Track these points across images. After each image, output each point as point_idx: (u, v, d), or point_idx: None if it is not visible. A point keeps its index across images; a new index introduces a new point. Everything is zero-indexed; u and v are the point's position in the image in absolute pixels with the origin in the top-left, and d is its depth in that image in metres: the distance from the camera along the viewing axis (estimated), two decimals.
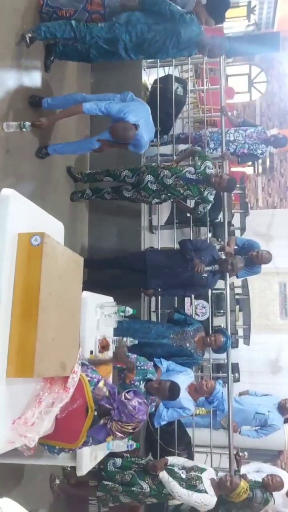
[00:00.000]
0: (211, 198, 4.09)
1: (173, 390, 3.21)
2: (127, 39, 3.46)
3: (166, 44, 3.57)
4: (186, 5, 3.77)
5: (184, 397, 3.80)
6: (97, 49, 3.58)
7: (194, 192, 4.03)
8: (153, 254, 4.32)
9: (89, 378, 2.23)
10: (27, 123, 3.28)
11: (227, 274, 4.23)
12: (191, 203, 4.47)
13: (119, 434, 2.13)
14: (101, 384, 2.21)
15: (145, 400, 2.24)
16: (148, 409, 2.33)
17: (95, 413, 2.14)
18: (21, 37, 3.29)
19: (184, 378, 3.89)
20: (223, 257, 4.21)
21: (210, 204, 4.21)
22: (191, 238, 4.83)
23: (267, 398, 4.76)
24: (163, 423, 3.90)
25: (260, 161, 9.68)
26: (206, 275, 3.92)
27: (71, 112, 3.56)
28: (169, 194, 4.10)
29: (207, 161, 4.00)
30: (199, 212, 4.24)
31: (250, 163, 9.27)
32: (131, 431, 2.14)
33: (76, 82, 4.39)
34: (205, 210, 4.30)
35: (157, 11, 3.49)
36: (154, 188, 4.05)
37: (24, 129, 3.26)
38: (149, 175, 4.03)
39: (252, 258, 4.41)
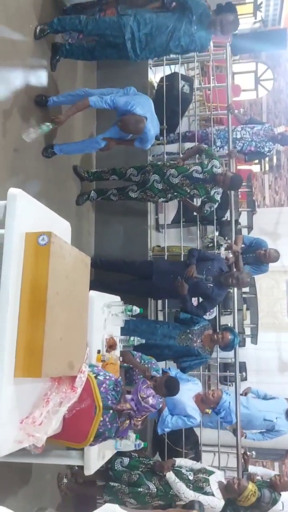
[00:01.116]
0: (218, 197, 4.05)
1: (170, 385, 3.08)
2: (135, 26, 3.44)
3: (178, 28, 3.53)
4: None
5: (190, 406, 3.78)
6: (102, 47, 3.58)
7: (200, 191, 4.01)
8: (160, 262, 4.33)
9: (108, 377, 2.36)
10: (46, 124, 3.24)
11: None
12: (197, 202, 4.44)
13: (139, 423, 2.39)
14: (122, 403, 2.32)
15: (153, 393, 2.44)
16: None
17: (115, 412, 2.28)
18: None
19: (192, 386, 3.87)
20: (231, 256, 4.19)
21: (217, 204, 4.18)
22: (198, 237, 4.84)
23: (274, 402, 4.67)
24: (167, 430, 3.85)
25: (267, 159, 9.63)
26: (212, 284, 3.88)
27: (80, 107, 3.52)
28: (175, 193, 4.08)
29: (214, 160, 3.96)
30: (205, 211, 4.22)
31: (257, 161, 9.25)
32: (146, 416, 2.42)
33: (82, 81, 4.39)
34: (212, 209, 4.27)
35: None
36: (160, 188, 4.03)
37: (46, 130, 3.23)
38: (155, 174, 4.01)
39: (260, 257, 4.38)
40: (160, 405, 2.50)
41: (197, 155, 4.33)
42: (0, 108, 3.04)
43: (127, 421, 2.33)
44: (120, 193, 4.24)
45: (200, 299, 4.30)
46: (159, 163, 4.29)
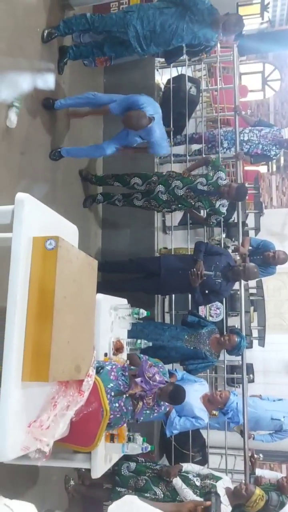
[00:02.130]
0: (223, 210, 4.02)
1: (174, 395, 2.78)
2: (138, 24, 3.46)
3: (180, 25, 3.55)
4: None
5: (198, 407, 3.77)
6: (112, 43, 3.61)
7: (205, 204, 3.99)
8: (168, 257, 4.32)
9: (114, 366, 2.52)
10: (15, 100, 3.07)
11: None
12: (204, 213, 4.42)
13: (151, 401, 2.54)
14: (134, 388, 2.46)
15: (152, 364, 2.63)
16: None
17: (129, 396, 2.43)
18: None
19: (199, 387, 3.86)
20: (238, 258, 4.17)
21: (223, 216, 4.16)
22: (205, 239, 4.82)
23: (281, 403, 4.67)
24: (175, 432, 3.84)
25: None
26: (220, 280, 3.87)
27: (101, 112, 3.60)
28: (179, 205, 4.07)
29: (220, 172, 3.92)
30: (211, 223, 4.21)
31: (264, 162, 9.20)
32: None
33: (89, 83, 4.41)
34: (218, 220, 4.24)
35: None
36: (164, 199, 4.01)
37: (19, 105, 3.07)
38: (160, 185, 3.99)
39: (268, 259, 4.36)
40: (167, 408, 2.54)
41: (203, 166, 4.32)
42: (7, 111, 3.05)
43: (140, 403, 2.48)
44: (125, 200, 4.24)
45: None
46: (164, 173, 4.18)
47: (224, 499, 3.31)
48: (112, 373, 2.46)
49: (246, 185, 6.11)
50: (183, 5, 3.56)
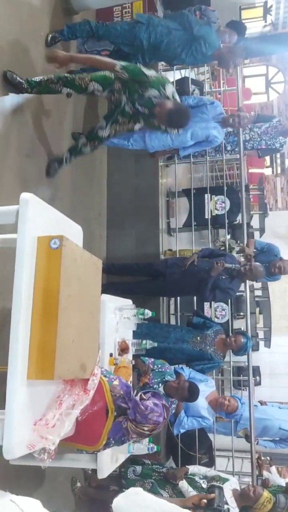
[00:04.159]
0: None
1: (193, 390, 3.14)
2: (145, 38, 3.49)
3: (184, 51, 3.67)
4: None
5: (204, 407, 3.78)
6: (113, 55, 3.62)
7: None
8: (173, 259, 4.34)
9: (107, 379, 2.27)
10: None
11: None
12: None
13: (134, 436, 2.14)
14: (115, 382, 2.23)
15: (165, 403, 2.22)
16: (168, 413, 2.32)
17: (115, 414, 2.16)
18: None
19: (205, 387, 3.86)
20: (243, 259, 4.18)
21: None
22: (210, 241, 4.84)
23: None
24: (182, 431, 3.87)
25: (278, 161, 9.59)
26: (224, 277, 3.88)
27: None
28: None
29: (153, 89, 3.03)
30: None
31: (268, 163, 9.20)
32: (147, 432, 2.14)
33: None
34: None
35: (178, 22, 3.66)
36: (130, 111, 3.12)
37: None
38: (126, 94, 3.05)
39: (274, 270, 4.35)
40: (161, 420, 2.16)
41: None
42: (11, 114, 3.08)
43: (121, 417, 2.15)
44: (90, 140, 3.43)
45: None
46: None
47: (231, 501, 3.29)
48: None
49: (251, 187, 6.13)
50: (193, 35, 3.67)
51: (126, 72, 2.90)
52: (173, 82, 5.01)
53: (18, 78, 2.96)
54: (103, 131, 3.28)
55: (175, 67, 4.96)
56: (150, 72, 2.93)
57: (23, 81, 2.98)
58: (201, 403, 3.76)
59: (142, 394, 2.16)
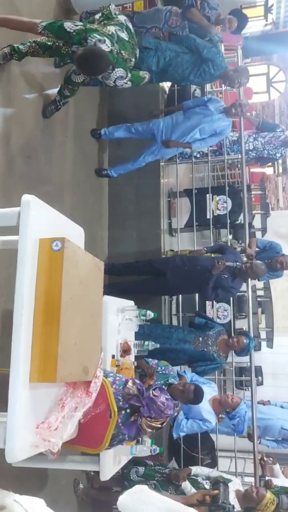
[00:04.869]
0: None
1: (198, 393, 3.15)
2: (153, 63, 3.60)
3: (193, 73, 3.86)
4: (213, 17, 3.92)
5: (206, 409, 3.75)
6: None
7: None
8: (175, 257, 4.33)
9: (118, 378, 2.33)
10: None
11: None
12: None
13: (149, 430, 2.26)
14: (130, 383, 2.32)
15: (169, 397, 2.36)
16: (173, 405, 2.49)
17: (128, 411, 2.25)
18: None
19: (208, 390, 3.84)
20: (245, 259, 4.16)
21: None
22: (212, 241, 4.83)
23: None
24: (182, 434, 3.82)
25: (280, 161, 9.57)
26: (226, 276, 3.86)
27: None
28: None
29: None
30: None
31: (270, 163, 9.18)
32: (160, 426, 2.28)
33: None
34: None
35: (185, 45, 3.83)
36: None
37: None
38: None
39: (276, 266, 4.34)
40: (172, 413, 2.42)
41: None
42: (13, 115, 3.07)
43: (134, 416, 2.27)
44: (66, 84, 3.30)
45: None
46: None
47: (234, 502, 3.28)
48: (114, 386, 2.33)
49: (252, 187, 6.12)
50: (201, 58, 3.84)
51: (50, 32, 2.78)
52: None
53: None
54: (76, 76, 3.19)
55: None
56: (73, 27, 2.73)
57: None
58: (204, 405, 3.75)
59: (153, 392, 2.29)
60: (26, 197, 1.84)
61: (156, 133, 4.24)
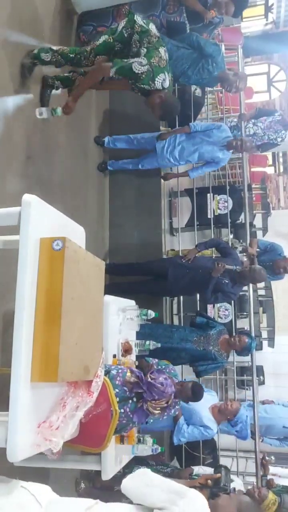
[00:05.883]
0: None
1: (196, 390, 3.10)
2: None
3: (191, 68, 3.84)
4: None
5: (207, 417, 3.74)
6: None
7: None
8: (175, 258, 4.33)
9: (120, 370, 2.39)
10: (59, 109, 3.23)
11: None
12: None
13: (157, 412, 2.37)
14: (128, 373, 2.40)
15: (168, 375, 2.49)
16: (173, 381, 2.57)
17: (134, 399, 2.34)
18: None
19: (208, 397, 3.84)
20: (245, 259, 4.16)
21: None
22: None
23: None
24: (183, 440, 3.79)
25: (281, 160, 9.58)
26: (227, 281, 3.85)
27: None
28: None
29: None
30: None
31: (271, 162, 9.18)
32: (166, 405, 2.40)
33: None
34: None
35: (186, 42, 3.83)
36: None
37: (58, 113, 3.23)
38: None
39: (279, 270, 4.32)
40: (174, 390, 2.48)
41: None
42: (14, 116, 3.08)
43: (139, 402, 2.36)
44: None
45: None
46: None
47: None
48: (118, 378, 2.38)
49: (253, 186, 6.12)
50: (201, 53, 3.84)
51: (120, 75, 3.06)
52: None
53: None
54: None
55: None
56: (141, 69, 3.01)
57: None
58: (204, 412, 3.74)
59: (150, 375, 2.39)
60: (27, 197, 1.83)
61: (158, 152, 4.31)
